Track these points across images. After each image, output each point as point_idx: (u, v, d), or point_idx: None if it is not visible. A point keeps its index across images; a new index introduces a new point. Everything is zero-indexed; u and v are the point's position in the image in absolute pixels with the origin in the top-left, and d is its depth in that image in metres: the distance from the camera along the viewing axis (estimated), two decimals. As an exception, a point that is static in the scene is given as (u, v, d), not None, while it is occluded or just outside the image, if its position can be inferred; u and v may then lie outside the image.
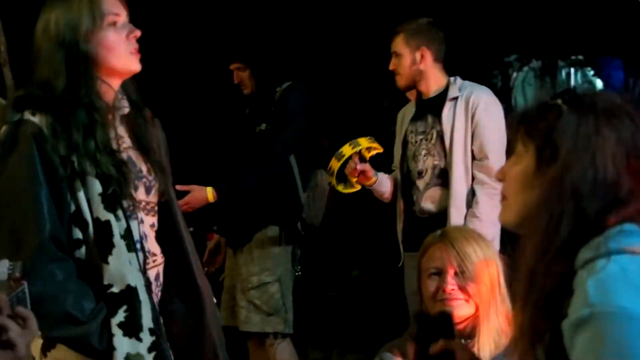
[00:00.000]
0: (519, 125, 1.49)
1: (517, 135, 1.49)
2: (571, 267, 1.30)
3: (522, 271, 1.41)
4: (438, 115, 3.72)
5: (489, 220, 3.44)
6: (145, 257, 2.17)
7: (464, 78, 3.88)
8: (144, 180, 2.23)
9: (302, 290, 4.77)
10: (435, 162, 3.72)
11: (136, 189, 2.19)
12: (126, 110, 2.24)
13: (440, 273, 2.23)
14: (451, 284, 2.21)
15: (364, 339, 5.47)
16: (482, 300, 2.19)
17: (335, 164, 3.83)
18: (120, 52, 2.16)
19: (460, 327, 2.20)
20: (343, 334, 6.25)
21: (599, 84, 14.24)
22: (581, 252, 1.29)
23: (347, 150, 3.82)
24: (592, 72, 15.09)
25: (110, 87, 2.20)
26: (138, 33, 2.18)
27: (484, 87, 3.67)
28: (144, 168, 2.24)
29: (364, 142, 3.84)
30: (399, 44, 3.75)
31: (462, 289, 2.22)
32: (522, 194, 1.42)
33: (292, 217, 4.33)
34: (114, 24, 2.14)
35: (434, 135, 3.75)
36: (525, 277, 1.39)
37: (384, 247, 7.86)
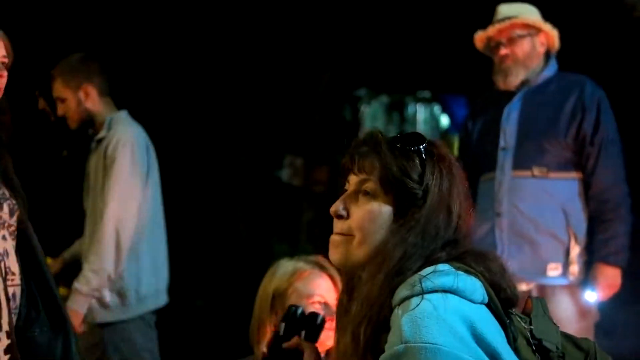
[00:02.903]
0: (374, 166, 1.47)
1: (370, 175, 1.46)
2: (390, 305, 1.35)
3: (358, 308, 1.41)
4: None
5: None
6: (6, 273, 2.15)
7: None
8: (8, 202, 2.26)
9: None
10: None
11: (1, 207, 2.23)
12: None
13: (327, 305, 2.22)
14: (333, 314, 2.20)
15: (230, 348, 5.36)
16: None
17: None
18: None
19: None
20: (210, 343, 6.13)
21: (444, 120, 14.87)
22: (399, 290, 1.33)
23: None
24: (437, 109, 15.75)
25: None
26: None
27: (133, 124, 3.37)
28: (7, 192, 2.27)
29: None
30: (60, 89, 3.40)
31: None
32: (375, 234, 1.43)
33: None
34: None
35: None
36: (361, 315, 1.39)
37: (233, 276, 7.78)
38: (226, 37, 8.46)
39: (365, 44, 10.31)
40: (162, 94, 8.39)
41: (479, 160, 3.21)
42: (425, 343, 1.22)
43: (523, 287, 2.96)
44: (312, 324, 1.84)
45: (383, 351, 1.29)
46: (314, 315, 1.86)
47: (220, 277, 7.85)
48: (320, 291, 2.20)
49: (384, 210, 1.43)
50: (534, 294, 2.95)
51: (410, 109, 16.10)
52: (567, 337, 1.44)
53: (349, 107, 14.80)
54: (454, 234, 1.41)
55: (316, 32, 9.24)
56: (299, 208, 10.03)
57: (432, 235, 1.38)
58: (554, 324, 1.45)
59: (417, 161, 1.44)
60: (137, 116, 3.74)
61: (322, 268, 2.24)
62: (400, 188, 1.43)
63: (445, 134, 10.99)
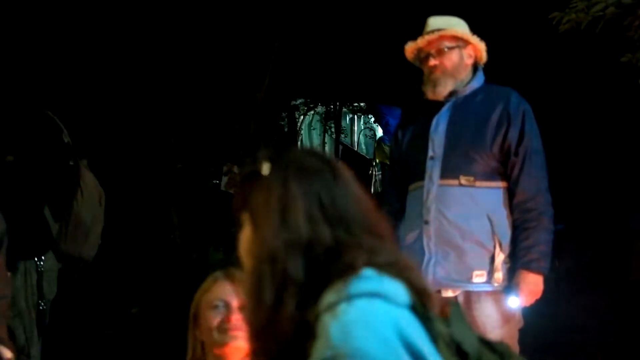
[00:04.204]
0: (240, 195, 1.51)
1: (241, 205, 1.50)
2: (313, 311, 1.33)
3: (251, 330, 1.43)
4: None
5: None
6: None
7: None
8: None
9: (79, 328, 4.55)
10: None
11: None
12: None
13: (226, 305, 2.24)
14: (237, 314, 2.20)
15: (164, 356, 5.28)
16: None
17: None
18: None
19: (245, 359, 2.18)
20: (144, 350, 6.04)
21: (379, 131, 15.02)
22: (325, 296, 1.32)
23: None
24: (372, 119, 15.85)
25: None
26: None
27: None
28: None
29: None
30: None
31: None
32: (246, 261, 1.47)
33: (37, 248, 4.07)
34: None
35: None
36: (255, 336, 1.41)
37: (168, 284, 7.69)
38: (165, 47, 8.39)
39: (303, 54, 10.34)
40: (100, 103, 8.28)
41: (408, 169, 3.26)
42: (353, 349, 1.22)
43: (449, 293, 3.02)
44: None
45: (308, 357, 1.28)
46: None
47: (155, 285, 7.77)
48: (220, 296, 2.23)
49: (245, 238, 1.48)
50: (460, 300, 3.00)
51: (347, 119, 16.23)
52: (483, 341, 1.45)
53: (287, 117, 14.83)
54: (318, 242, 1.39)
55: (254, 42, 9.24)
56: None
57: (269, 255, 1.38)
58: (471, 328, 1.46)
59: (254, 179, 1.47)
60: (75, 124, 3.73)
61: (226, 275, 2.26)
62: (247, 212, 1.47)
63: (379, 144, 11.09)
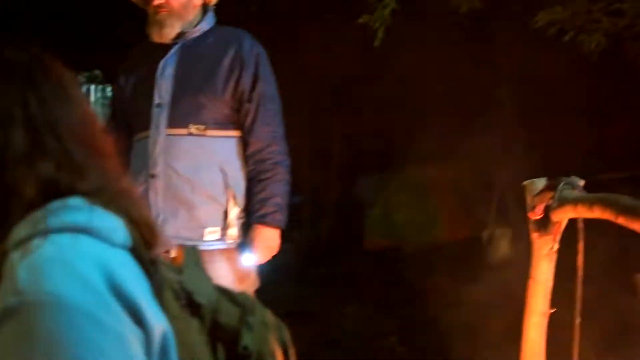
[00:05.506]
0: None
1: None
2: None
3: None
4: None
5: None
6: None
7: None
8: None
9: None
10: None
11: None
12: None
13: None
14: None
15: None
16: None
17: None
18: None
19: None
20: None
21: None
22: (15, 230, 1.05)
23: None
24: (110, 89, 15.24)
25: None
26: None
27: None
28: None
29: None
30: None
31: None
32: None
33: None
34: None
35: None
36: None
37: None
38: None
39: (36, 18, 9.63)
40: None
41: (132, 119, 2.97)
42: (46, 294, 0.94)
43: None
44: None
45: None
46: None
47: None
48: None
49: None
50: (192, 260, 2.76)
51: (83, 88, 15.51)
52: (222, 291, 1.24)
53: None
54: (43, 158, 1.09)
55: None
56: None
57: None
58: (208, 276, 1.24)
59: None
60: None
61: None
62: None
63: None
